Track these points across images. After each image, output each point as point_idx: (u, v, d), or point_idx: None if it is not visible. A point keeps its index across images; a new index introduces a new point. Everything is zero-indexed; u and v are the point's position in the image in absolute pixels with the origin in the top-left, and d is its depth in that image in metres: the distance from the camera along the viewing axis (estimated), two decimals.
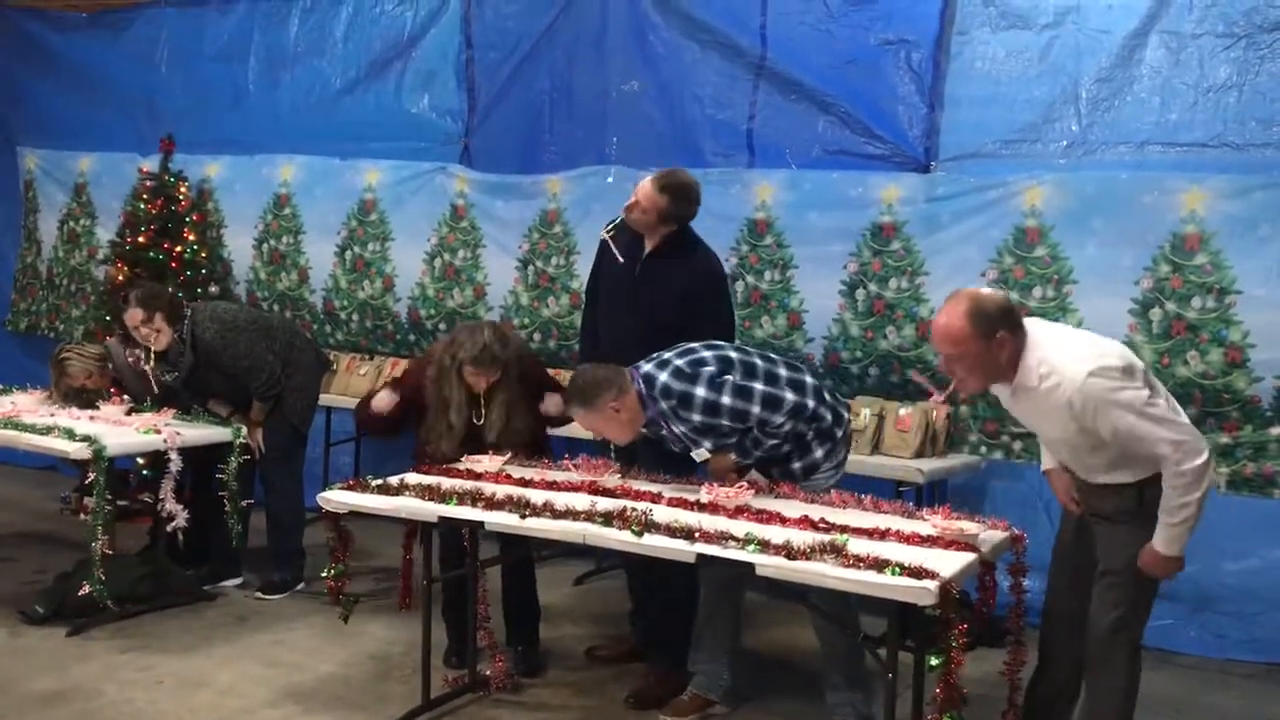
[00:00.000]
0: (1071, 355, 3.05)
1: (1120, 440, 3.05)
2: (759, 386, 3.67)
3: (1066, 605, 3.36)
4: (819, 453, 3.82)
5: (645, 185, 4.20)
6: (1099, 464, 3.18)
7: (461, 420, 4.16)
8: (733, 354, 3.78)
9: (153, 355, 5.06)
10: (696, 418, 3.67)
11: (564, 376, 5.77)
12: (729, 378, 3.68)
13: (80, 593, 4.58)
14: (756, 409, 3.65)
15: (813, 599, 3.54)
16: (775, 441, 3.73)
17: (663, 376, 3.68)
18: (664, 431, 3.80)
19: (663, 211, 4.17)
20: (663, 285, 4.19)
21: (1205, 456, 3.02)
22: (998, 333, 3.05)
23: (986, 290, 3.21)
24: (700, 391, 3.65)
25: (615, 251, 4.32)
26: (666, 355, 3.78)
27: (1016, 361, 3.09)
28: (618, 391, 3.67)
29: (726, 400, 3.65)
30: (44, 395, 5.53)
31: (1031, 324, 3.16)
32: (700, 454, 3.81)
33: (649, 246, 4.25)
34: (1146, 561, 3.14)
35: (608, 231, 4.39)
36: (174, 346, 5.00)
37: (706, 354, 3.77)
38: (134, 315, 4.96)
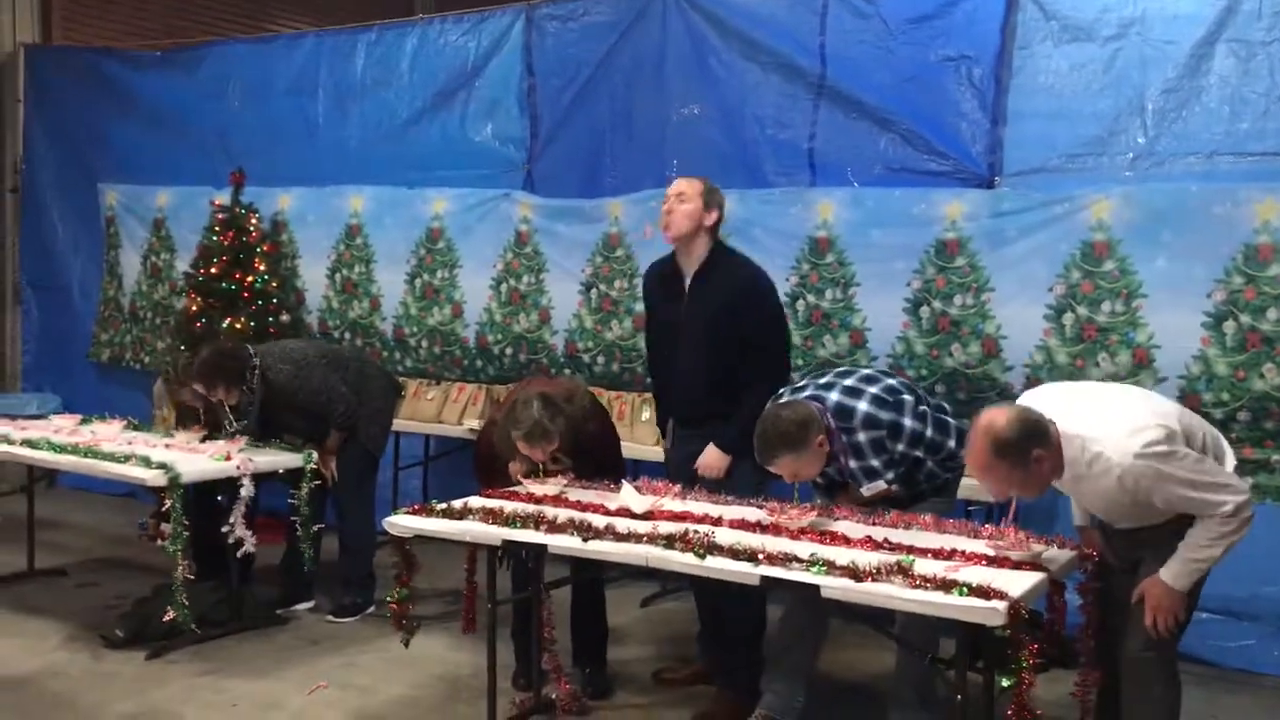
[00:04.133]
0: (1112, 435, 3.01)
1: (1172, 506, 3.05)
2: (950, 420, 3.67)
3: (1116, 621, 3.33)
4: (948, 476, 3.82)
5: (681, 186, 4.24)
6: (1144, 517, 3.16)
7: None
8: (893, 380, 3.73)
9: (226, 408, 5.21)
10: (900, 448, 3.61)
11: (626, 398, 5.87)
12: (924, 408, 3.65)
13: (165, 618, 4.68)
14: (953, 443, 3.63)
15: (893, 625, 3.50)
16: (948, 476, 3.72)
17: (863, 406, 3.59)
18: (829, 467, 3.68)
19: (704, 205, 4.18)
20: (710, 302, 4.16)
21: (1250, 510, 3.01)
22: (1033, 452, 3.05)
23: (1000, 413, 3.11)
24: (909, 422, 3.60)
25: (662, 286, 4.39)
26: (847, 382, 3.67)
27: (1061, 461, 3.09)
28: (819, 427, 3.55)
29: (929, 433, 3.61)
30: (123, 424, 5.69)
31: (1059, 410, 3.13)
32: (875, 487, 3.67)
33: (690, 272, 4.24)
34: (1151, 592, 3.13)
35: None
36: (244, 398, 5.12)
37: (891, 380, 3.72)
38: (199, 390, 5.10)
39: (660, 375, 4.49)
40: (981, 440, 3.07)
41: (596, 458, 4.26)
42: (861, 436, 3.59)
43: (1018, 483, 3.11)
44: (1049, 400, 3.23)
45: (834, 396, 3.64)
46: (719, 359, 4.14)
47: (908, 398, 3.66)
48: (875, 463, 3.63)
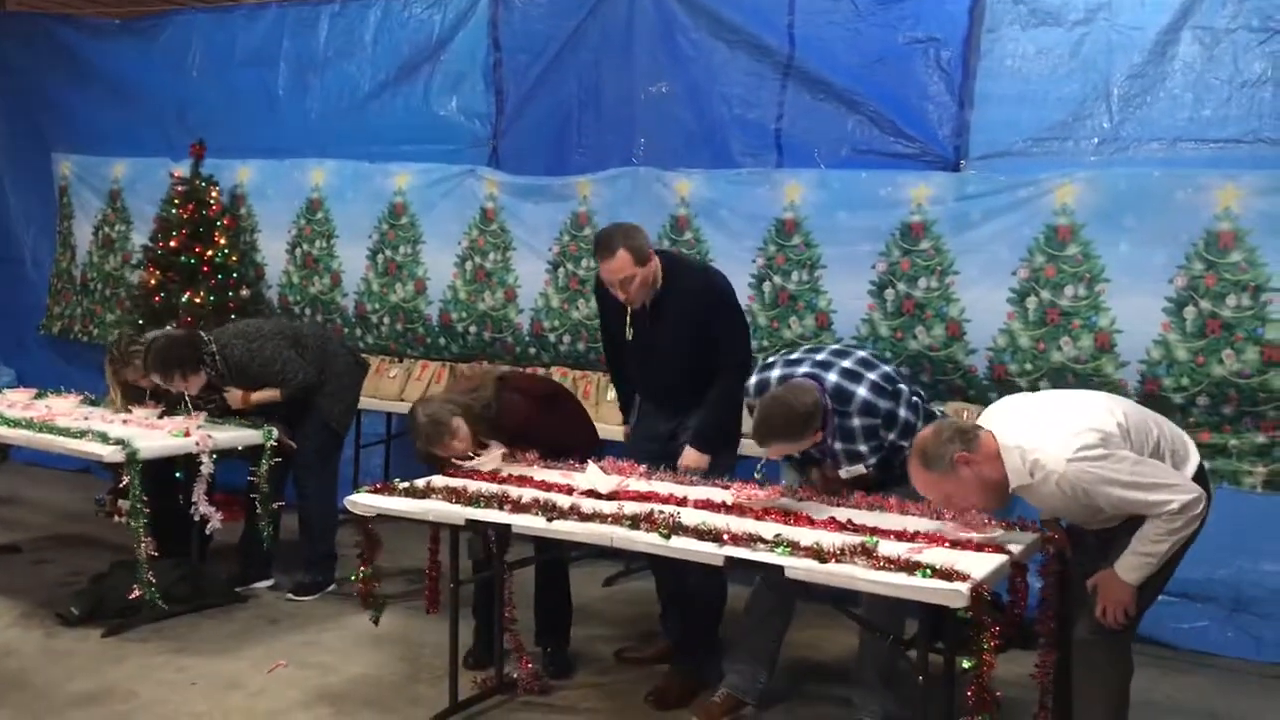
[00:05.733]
0: (1048, 443, 3.06)
1: (1115, 508, 3.09)
2: (935, 411, 3.70)
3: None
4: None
5: (621, 269, 4.03)
6: (1103, 519, 3.20)
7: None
8: (887, 368, 3.75)
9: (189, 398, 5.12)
10: (891, 437, 3.63)
11: (592, 378, 5.85)
12: (916, 399, 3.67)
13: (131, 596, 4.62)
14: None
15: (856, 605, 3.52)
16: None
17: (861, 391, 3.58)
18: (813, 448, 3.69)
19: (648, 267, 4.07)
20: (674, 318, 4.13)
21: (1199, 508, 3.04)
22: (953, 456, 3.09)
23: (925, 431, 3.24)
24: (903, 413, 3.62)
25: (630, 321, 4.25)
26: (846, 364, 3.65)
27: (997, 469, 3.12)
28: (820, 416, 3.53)
29: (920, 424, 3.60)
30: (79, 399, 5.60)
31: (1000, 420, 3.19)
32: (854, 470, 3.69)
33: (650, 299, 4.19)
34: (1104, 583, 3.17)
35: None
36: (214, 379, 5.04)
37: (887, 367, 3.73)
38: (156, 380, 5.00)
39: (618, 362, 4.49)
40: (912, 459, 3.19)
41: (533, 439, 4.24)
42: (856, 422, 3.59)
43: (953, 489, 3.16)
44: (993, 414, 3.28)
45: (833, 378, 3.62)
46: (692, 364, 4.14)
47: (904, 387, 3.68)
48: (863, 448, 3.63)
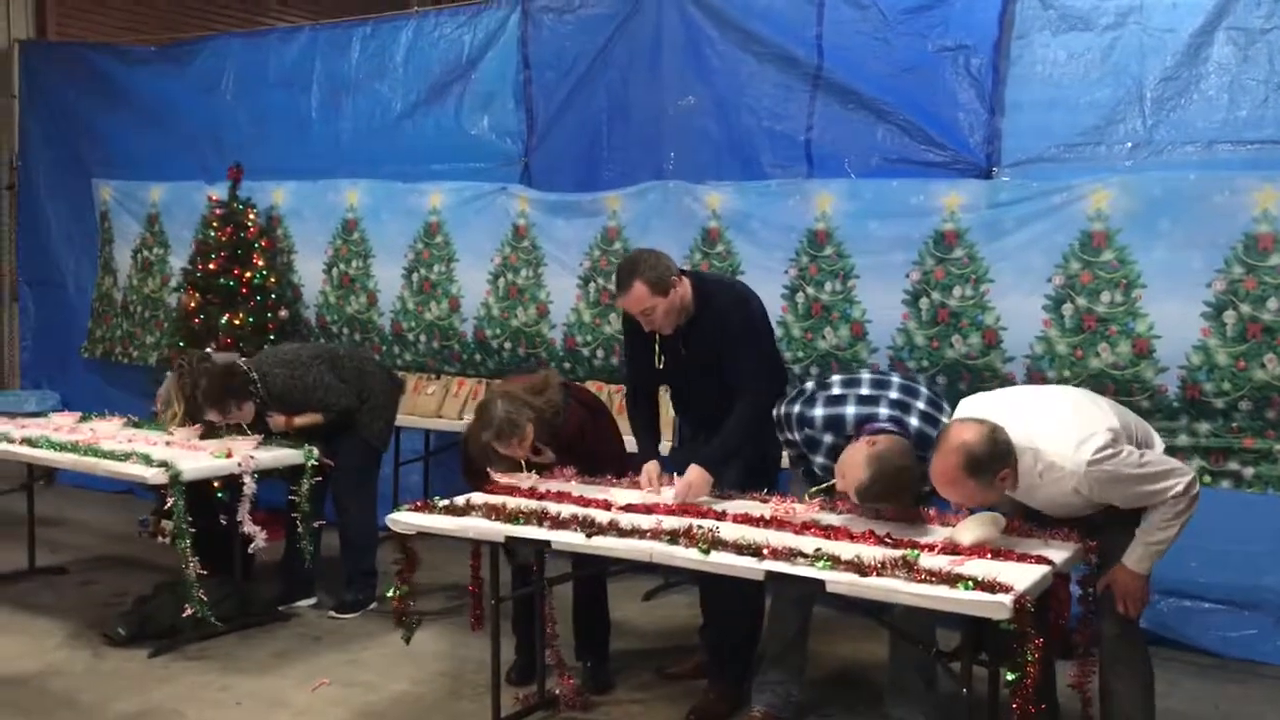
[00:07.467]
0: (1062, 446, 3.12)
1: (1129, 503, 3.18)
2: None
3: None
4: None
5: (639, 301, 3.94)
6: (1094, 511, 3.27)
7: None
8: (945, 404, 3.76)
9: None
10: None
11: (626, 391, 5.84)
12: None
13: (184, 614, 4.67)
14: None
15: (890, 615, 3.50)
16: None
17: None
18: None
19: (671, 295, 3.96)
20: (705, 344, 4.04)
21: (1197, 486, 3.16)
22: (1000, 473, 3.14)
23: (970, 431, 3.16)
24: None
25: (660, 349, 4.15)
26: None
27: (1017, 475, 3.20)
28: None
29: None
30: (123, 421, 5.67)
31: (1009, 422, 3.19)
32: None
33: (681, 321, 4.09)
34: (1118, 580, 3.25)
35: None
36: (259, 408, 5.12)
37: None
38: (212, 416, 5.10)
39: (637, 398, 4.33)
40: (954, 458, 3.15)
41: (581, 450, 4.25)
42: None
43: (979, 498, 3.23)
44: (989, 412, 3.27)
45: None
46: (728, 393, 4.06)
47: None
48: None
